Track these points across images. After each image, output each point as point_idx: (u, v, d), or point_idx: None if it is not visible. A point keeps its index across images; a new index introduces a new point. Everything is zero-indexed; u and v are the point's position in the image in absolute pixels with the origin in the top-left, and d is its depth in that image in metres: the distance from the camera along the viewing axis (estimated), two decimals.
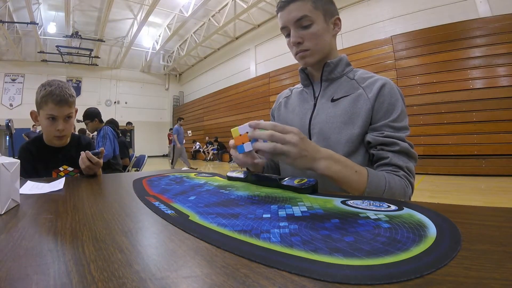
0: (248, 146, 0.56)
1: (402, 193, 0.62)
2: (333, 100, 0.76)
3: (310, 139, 0.78)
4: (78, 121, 3.01)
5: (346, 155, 0.70)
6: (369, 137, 0.69)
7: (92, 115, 2.85)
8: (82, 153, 0.95)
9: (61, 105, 1.06)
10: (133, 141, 14.75)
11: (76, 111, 1.19)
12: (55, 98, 1.04)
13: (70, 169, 1.17)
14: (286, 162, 0.54)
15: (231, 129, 0.58)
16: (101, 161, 0.99)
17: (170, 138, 12.08)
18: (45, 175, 1.11)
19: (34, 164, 1.13)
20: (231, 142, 0.59)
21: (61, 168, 1.15)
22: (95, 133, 2.97)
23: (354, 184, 0.58)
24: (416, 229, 0.31)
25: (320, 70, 0.80)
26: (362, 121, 0.70)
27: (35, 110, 1.12)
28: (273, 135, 0.51)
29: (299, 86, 0.92)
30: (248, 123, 0.56)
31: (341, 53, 0.82)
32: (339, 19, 0.78)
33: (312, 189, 0.53)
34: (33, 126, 8.97)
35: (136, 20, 10.66)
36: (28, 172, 1.06)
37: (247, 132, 0.56)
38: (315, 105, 0.80)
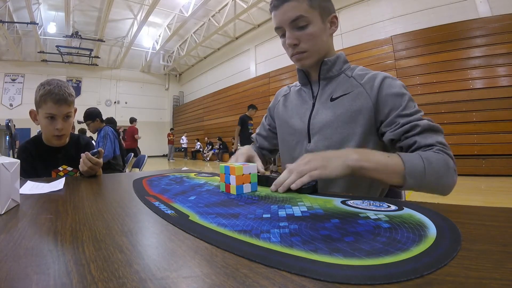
0: (247, 188, 0.56)
1: (445, 166, 0.58)
2: (332, 99, 0.75)
3: (310, 139, 0.77)
4: (79, 122, 3.04)
5: None
6: (389, 135, 0.67)
7: (93, 115, 2.84)
8: (83, 155, 0.94)
9: (60, 104, 1.05)
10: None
11: (75, 110, 1.18)
12: (54, 97, 1.04)
13: (70, 169, 1.17)
14: (323, 176, 0.55)
15: (232, 166, 0.55)
16: (101, 161, 0.99)
17: (169, 138, 12.15)
18: (45, 175, 1.11)
19: (33, 164, 1.13)
20: (225, 178, 0.57)
21: (60, 168, 1.15)
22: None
23: (391, 168, 0.56)
24: (416, 229, 0.31)
25: (317, 69, 0.78)
26: (364, 119, 0.69)
27: (34, 109, 1.11)
28: (290, 169, 0.56)
29: (297, 84, 0.90)
30: (255, 168, 0.59)
31: (342, 53, 0.80)
32: (336, 17, 0.75)
33: (312, 189, 0.53)
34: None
35: (136, 20, 10.66)
36: (27, 172, 1.06)
37: (250, 173, 0.56)
38: (314, 104, 0.79)
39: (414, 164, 0.56)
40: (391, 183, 0.57)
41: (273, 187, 0.56)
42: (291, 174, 0.55)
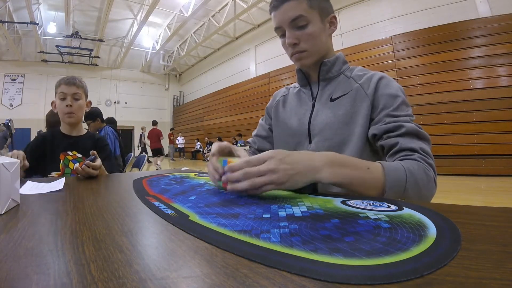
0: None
1: (425, 178, 0.55)
2: (332, 100, 0.75)
3: (311, 141, 0.77)
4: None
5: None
6: (373, 129, 0.66)
7: (93, 115, 2.86)
8: (84, 168, 0.94)
9: (70, 85, 1.27)
10: (133, 141, 14.77)
11: (90, 103, 1.39)
12: (65, 80, 1.28)
13: (79, 155, 1.19)
14: (282, 189, 0.49)
15: (229, 159, 0.53)
16: (99, 162, 0.99)
17: (171, 138, 12.18)
18: (52, 157, 1.20)
19: (45, 148, 1.25)
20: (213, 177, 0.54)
21: (70, 152, 1.18)
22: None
23: (369, 183, 0.52)
24: (416, 229, 0.31)
25: (317, 69, 0.78)
26: (363, 119, 0.69)
27: (55, 100, 1.32)
28: (247, 172, 0.46)
29: (296, 85, 0.90)
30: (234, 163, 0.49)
31: (342, 53, 0.81)
32: (335, 18, 0.76)
33: (312, 189, 0.53)
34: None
35: (136, 20, 10.66)
36: (34, 157, 1.17)
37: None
38: (313, 105, 0.79)
39: (397, 178, 0.53)
40: (367, 195, 0.52)
41: (229, 186, 0.49)
42: (245, 176, 0.47)
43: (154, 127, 8.21)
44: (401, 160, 0.59)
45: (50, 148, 1.25)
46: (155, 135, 8.03)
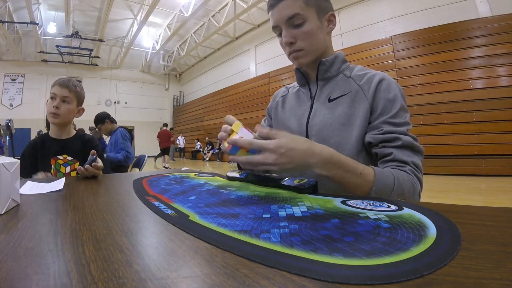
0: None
1: (412, 190, 0.58)
2: (330, 100, 0.74)
3: None
4: (91, 128, 3.18)
5: None
6: (369, 137, 0.66)
7: (101, 117, 3.02)
8: (87, 168, 0.94)
9: (62, 87, 1.26)
10: (133, 141, 14.79)
11: (82, 110, 1.35)
12: (59, 81, 1.27)
13: (70, 158, 1.19)
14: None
15: (234, 124, 0.55)
16: (101, 163, 0.99)
17: (172, 138, 12.21)
18: (44, 163, 1.19)
19: (36, 155, 1.24)
20: (221, 134, 0.61)
21: (60, 157, 1.17)
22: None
23: (357, 188, 0.55)
24: (416, 229, 0.31)
25: (315, 69, 0.77)
26: (361, 121, 0.68)
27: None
28: (248, 160, 0.51)
29: (295, 84, 0.89)
30: (235, 137, 0.55)
31: (341, 52, 0.79)
32: (333, 15, 0.74)
33: (312, 189, 0.53)
34: None
35: (136, 20, 10.66)
36: (28, 161, 1.19)
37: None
38: (312, 105, 0.78)
39: (385, 186, 0.55)
40: (351, 193, 0.56)
41: (230, 157, 0.55)
42: (248, 158, 0.51)
43: (165, 128, 9.22)
44: (392, 169, 0.61)
45: (41, 153, 1.25)
46: (164, 135, 8.94)
